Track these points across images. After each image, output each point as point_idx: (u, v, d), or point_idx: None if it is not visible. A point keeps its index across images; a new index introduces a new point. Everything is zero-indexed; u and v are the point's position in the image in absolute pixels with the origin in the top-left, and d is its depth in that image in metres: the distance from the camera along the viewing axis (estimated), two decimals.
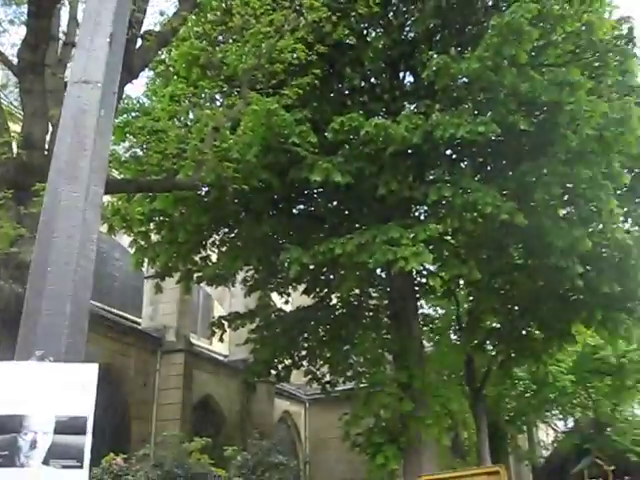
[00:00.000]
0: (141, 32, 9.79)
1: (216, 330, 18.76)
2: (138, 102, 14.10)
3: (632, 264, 14.03)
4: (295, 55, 11.68)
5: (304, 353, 18.75)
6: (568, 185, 14.08)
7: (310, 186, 14.94)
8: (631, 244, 13.49)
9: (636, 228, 14.98)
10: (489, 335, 19.84)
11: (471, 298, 20.42)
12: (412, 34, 16.07)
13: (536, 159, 13.75)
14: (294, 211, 17.50)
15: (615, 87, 14.79)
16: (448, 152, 15.81)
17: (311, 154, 13.27)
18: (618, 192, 14.66)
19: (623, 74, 15.02)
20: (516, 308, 18.00)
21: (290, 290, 18.63)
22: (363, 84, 16.40)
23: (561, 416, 38.94)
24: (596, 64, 14.90)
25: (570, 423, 38.27)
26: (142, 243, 15.99)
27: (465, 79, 13.93)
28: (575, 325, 17.70)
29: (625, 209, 15.20)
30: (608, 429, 32.05)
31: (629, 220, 15.86)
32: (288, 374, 19.11)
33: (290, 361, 18.72)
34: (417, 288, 19.00)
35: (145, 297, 22.99)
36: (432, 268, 18.82)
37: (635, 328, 16.30)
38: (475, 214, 13.90)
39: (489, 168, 16.11)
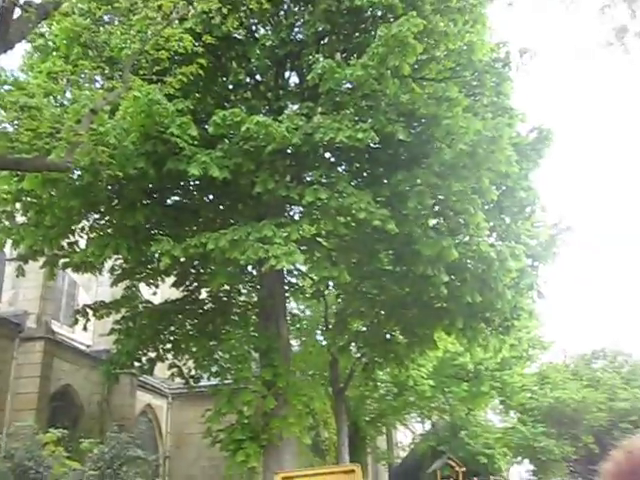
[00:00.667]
0: (21, 1, 9.31)
1: (80, 318, 18.18)
2: (12, 75, 13.40)
3: (493, 276, 14.65)
4: (181, 44, 11.48)
5: (169, 346, 18.45)
6: (440, 197, 14.56)
7: (187, 178, 14.72)
8: (494, 257, 14.08)
9: (500, 242, 15.64)
10: (355, 338, 20.21)
11: (339, 300, 20.76)
12: (301, 35, 16.13)
13: (411, 169, 14.14)
14: (168, 202, 17.17)
15: (490, 107, 15.47)
16: (327, 155, 16.00)
17: (190, 146, 13.08)
18: (486, 207, 15.33)
19: (498, 95, 15.76)
20: (382, 313, 18.41)
21: (159, 282, 18.28)
22: (248, 80, 16.34)
23: (419, 419, 40.28)
24: (474, 83, 15.55)
25: (427, 426, 39.64)
26: (6, 223, 15.24)
27: (349, 85, 14.13)
28: (437, 332, 18.32)
29: (491, 223, 15.89)
30: (462, 432, 33.47)
31: (494, 234, 16.57)
32: (152, 367, 18.73)
33: (155, 354, 18.37)
34: (287, 287, 19.13)
35: (6, 281, 21.97)
36: (303, 268, 19.01)
37: (492, 337, 17.07)
38: (349, 218, 14.15)
39: (365, 174, 16.42)
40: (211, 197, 16.85)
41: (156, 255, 13.75)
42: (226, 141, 13.82)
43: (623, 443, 1.17)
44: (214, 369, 17.93)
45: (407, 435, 46.57)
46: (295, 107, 15.46)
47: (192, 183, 16.23)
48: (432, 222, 15.46)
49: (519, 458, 36.95)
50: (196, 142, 13.20)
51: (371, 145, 14.01)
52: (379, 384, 28.93)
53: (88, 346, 24.83)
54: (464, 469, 26.43)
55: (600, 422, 33.64)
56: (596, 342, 40.16)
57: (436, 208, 15.17)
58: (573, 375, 37.11)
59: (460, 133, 13.49)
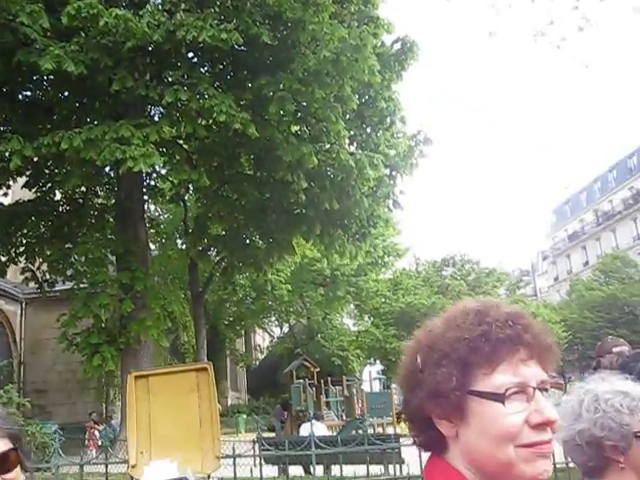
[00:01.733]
0: None
1: None
2: None
3: (352, 184, 15.00)
4: None
5: (22, 250, 17.77)
6: (302, 103, 14.56)
7: (40, 72, 13.87)
8: (353, 165, 14.37)
9: (359, 151, 15.94)
10: (214, 242, 20.25)
11: (199, 204, 20.63)
12: None
13: (275, 74, 14.01)
14: (19, 98, 16.17)
15: (357, 15, 15.40)
16: (189, 55, 15.53)
17: (42, 38, 12.30)
18: (347, 116, 15.50)
19: (365, 4, 15.68)
20: (242, 217, 18.49)
21: (10, 182, 17.37)
22: None
23: (278, 322, 41.32)
24: None
25: (286, 329, 40.74)
26: None
27: None
28: (296, 237, 18.67)
29: (352, 132, 16.13)
30: (319, 335, 34.74)
31: (354, 143, 16.85)
32: (3, 271, 18.03)
33: (6, 257, 17.65)
34: (146, 190, 18.76)
35: None
36: (162, 171, 18.65)
37: (349, 244, 17.62)
38: (210, 121, 13.93)
39: (229, 77, 16.13)
40: (66, 94, 16.00)
41: (6, 155, 13.02)
42: (82, 34, 13.08)
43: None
44: (69, 273, 17.50)
45: (266, 338, 47.84)
46: (157, 2, 14.79)
47: (45, 78, 15.34)
48: (294, 128, 15.51)
49: (371, 359, 38.81)
50: (49, 34, 12.42)
51: (235, 47, 13.73)
52: (238, 288, 29.34)
53: None
54: (318, 369, 27.56)
55: None
56: (447, 250, 42.16)
57: (298, 114, 15.18)
58: (424, 282, 39.04)
59: (325, 40, 13.43)
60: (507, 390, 1.12)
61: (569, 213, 71.49)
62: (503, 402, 1.11)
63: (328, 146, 15.23)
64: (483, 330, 1.15)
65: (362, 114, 16.22)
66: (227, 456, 6.77)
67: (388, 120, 17.07)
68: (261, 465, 7.36)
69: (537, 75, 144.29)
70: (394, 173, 17.14)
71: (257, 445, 7.94)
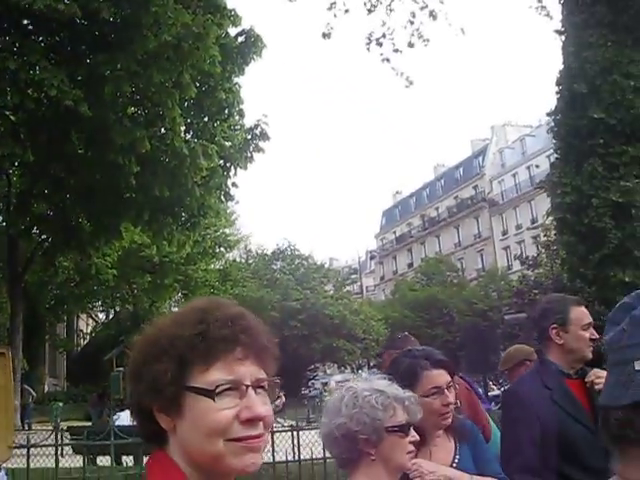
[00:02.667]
0: None
1: None
2: None
3: (185, 173, 14.85)
4: None
5: None
6: (139, 85, 14.25)
7: None
8: (187, 154, 14.25)
9: (195, 140, 15.83)
10: (38, 221, 19.30)
11: (24, 180, 19.57)
12: None
13: (114, 53, 13.61)
14: None
15: (203, 3, 15.24)
16: (24, 22, 14.73)
17: None
18: (185, 104, 15.33)
19: None
20: (69, 197, 17.77)
21: None
22: None
23: (103, 308, 40.06)
24: None
25: (112, 315, 39.63)
26: None
27: None
28: (124, 222, 18.20)
29: (189, 120, 15.96)
30: (144, 323, 34.04)
31: (190, 131, 16.70)
32: None
33: None
34: None
35: None
36: None
37: (177, 232, 17.43)
38: (41, 94, 13.31)
39: (65, 50, 15.44)
40: None
41: None
42: None
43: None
44: None
45: (90, 323, 46.25)
46: None
47: None
48: (129, 111, 15.13)
49: None
50: None
51: (75, 20, 13.19)
52: (61, 270, 28.13)
53: None
54: None
55: (273, 319, 36.21)
56: (279, 244, 42.50)
57: (134, 97, 14.84)
58: (254, 274, 39.31)
59: (167, 23, 13.25)
60: (218, 387, 1.17)
61: (398, 216, 74.57)
62: (213, 398, 1.16)
63: (163, 132, 15.00)
64: (201, 329, 1.19)
65: (200, 103, 16.11)
66: (20, 446, 6.50)
67: (226, 112, 17.06)
68: (57, 455, 7.09)
69: (375, 77, 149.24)
70: (228, 165, 17.15)
71: (59, 434, 7.67)
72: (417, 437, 2.22)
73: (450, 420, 2.68)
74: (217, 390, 1.17)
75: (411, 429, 2.17)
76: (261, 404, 1.21)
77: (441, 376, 2.66)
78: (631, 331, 1.03)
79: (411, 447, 2.17)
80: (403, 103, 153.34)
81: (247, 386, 1.20)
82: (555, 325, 3.10)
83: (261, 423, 1.21)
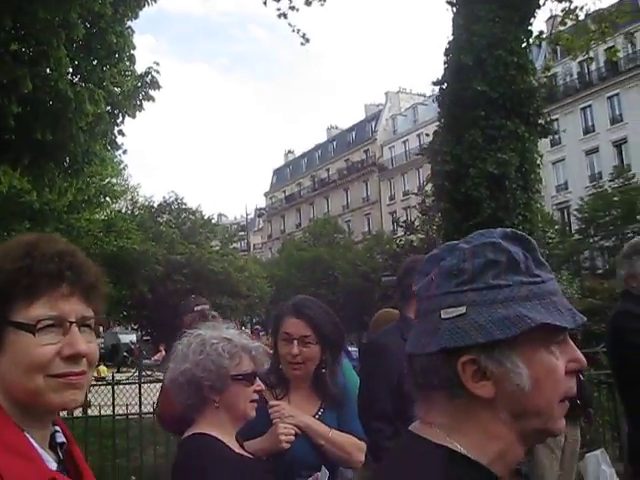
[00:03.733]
0: None
1: None
2: None
3: (69, 117, 14.26)
4: None
5: None
6: (24, 21, 13.51)
7: None
8: (72, 97, 13.66)
9: (82, 84, 15.18)
10: None
11: None
12: None
13: None
14: None
15: None
16: None
17: None
18: (73, 45, 14.67)
19: None
20: None
21: None
22: None
23: None
24: None
25: None
26: None
27: None
28: (2, 165, 17.36)
29: (76, 62, 15.31)
30: None
31: (78, 75, 16.02)
32: None
33: None
34: None
35: None
36: None
37: (59, 179, 16.78)
38: None
39: None
40: None
41: None
42: None
43: None
44: None
45: None
46: None
47: None
48: (11, 47, 14.33)
49: None
50: None
51: None
52: None
53: None
54: None
55: (157, 273, 35.65)
56: (166, 197, 41.53)
57: (18, 33, 14.05)
58: (139, 226, 38.50)
59: None
60: (40, 322, 1.17)
61: (289, 176, 74.75)
62: (34, 333, 1.16)
63: (47, 72, 14.31)
64: (26, 263, 1.18)
65: (89, 45, 15.43)
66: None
67: (116, 56, 16.41)
68: None
69: (274, 34, 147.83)
70: (116, 112, 16.56)
71: None
72: (262, 386, 2.29)
73: (298, 373, 2.74)
74: (38, 326, 1.18)
75: (256, 378, 2.24)
76: (84, 341, 1.21)
77: (296, 325, 2.72)
78: (439, 281, 1.09)
79: (255, 396, 2.24)
80: (300, 63, 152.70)
81: (71, 323, 1.21)
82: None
83: (84, 360, 1.22)
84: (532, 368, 1.03)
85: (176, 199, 41.96)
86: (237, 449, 2.20)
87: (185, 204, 42.11)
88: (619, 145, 43.38)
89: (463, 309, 1.03)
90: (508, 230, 1.13)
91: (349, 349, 5.93)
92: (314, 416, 2.75)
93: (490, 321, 1.02)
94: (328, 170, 67.60)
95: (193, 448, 2.11)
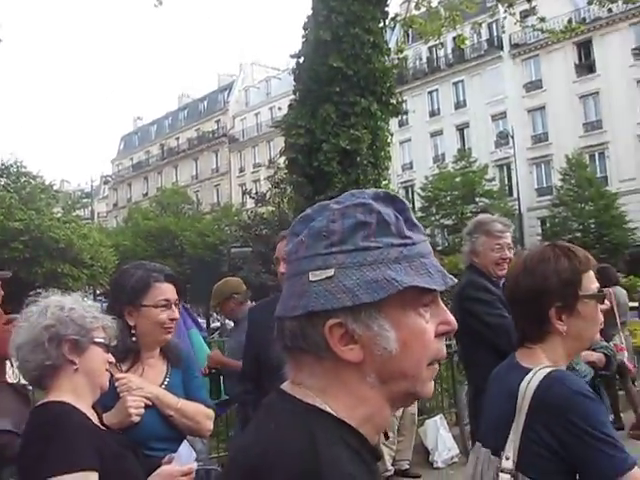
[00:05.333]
0: None
1: None
2: None
3: None
4: None
5: None
6: None
7: None
8: None
9: None
10: None
11: None
12: None
13: None
14: None
15: None
16: None
17: None
18: None
19: None
20: None
21: None
22: None
23: None
24: None
25: None
26: None
27: None
28: None
29: None
30: None
31: None
32: None
33: None
34: None
35: None
36: None
37: None
38: None
39: None
40: None
41: None
42: None
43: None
44: None
45: None
46: None
47: None
48: None
49: None
50: None
51: None
52: None
53: None
54: None
55: None
56: (3, 159, 39.01)
57: None
58: None
59: None
60: None
61: (137, 143, 72.63)
62: None
63: None
64: None
65: None
66: None
67: None
68: None
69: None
70: None
71: None
72: (113, 359, 2.22)
73: (170, 336, 2.73)
74: None
75: (109, 350, 2.17)
76: None
77: (171, 290, 2.71)
78: (308, 242, 1.05)
79: (107, 366, 2.17)
80: (153, 26, 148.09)
81: None
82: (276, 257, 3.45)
83: None
84: (400, 331, 1.01)
85: (15, 162, 39.54)
86: (96, 421, 2.10)
87: (25, 167, 39.73)
88: (462, 129, 45.47)
89: (331, 271, 1.01)
90: (380, 191, 1.10)
91: (198, 320, 5.87)
92: (162, 385, 2.70)
93: (358, 284, 0.99)
94: (178, 139, 66.23)
95: (50, 418, 1.98)
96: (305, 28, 10.50)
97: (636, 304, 10.98)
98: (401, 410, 6.33)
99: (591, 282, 2.04)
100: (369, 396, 1.04)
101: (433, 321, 1.05)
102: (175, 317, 2.71)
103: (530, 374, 1.92)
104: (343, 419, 1.02)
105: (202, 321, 9.21)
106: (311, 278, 1.02)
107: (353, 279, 1.00)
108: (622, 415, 8.66)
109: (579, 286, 2.01)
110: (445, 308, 1.08)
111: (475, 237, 3.91)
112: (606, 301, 2.19)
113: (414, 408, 6.69)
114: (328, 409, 1.02)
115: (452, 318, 1.07)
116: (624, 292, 8.63)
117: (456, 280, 1.08)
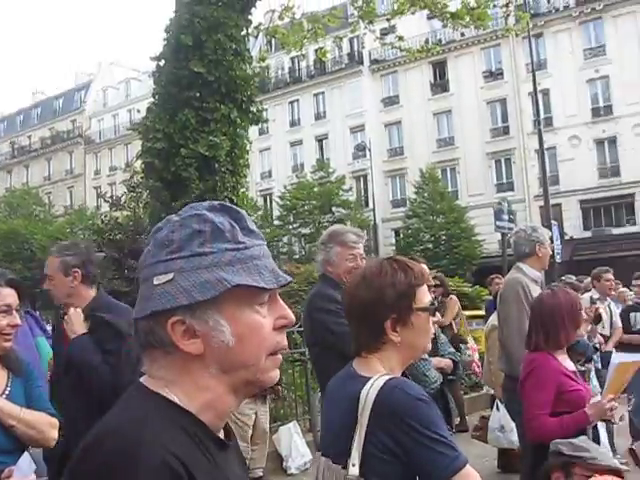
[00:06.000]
0: None
1: None
2: None
3: None
4: None
5: None
6: None
7: None
8: None
9: None
10: None
11: None
12: None
13: None
14: None
15: None
16: None
17: None
18: None
19: None
20: None
21: None
22: None
23: None
24: None
25: None
26: None
27: None
28: None
29: None
30: None
31: None
32: None
33: None
34: None
35: None
36: None
37: None
38: None
39: None
40: None
41: None
42: None
43: None
44: None
45: None
46: None
47: None
48: None
49: None
50: None
51: None
52: None
53: None
54: None
55: None
56: None
57: None
58: None
59: None
60: None
61: None
62: None
63: None
64: None
65: None
66: None
67: None
68: None
69: None
70: None
71: None
72: None
73: (10, 343, 2.64)
74: None
75: None
76: None
77: (12, 296, 2.65)
78: (154, 251, 1.19)
79: None
80: (5, 14, 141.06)
81: None
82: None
83: None
84: (235, 325, 1.14)
85: None
86: None
87: None
88: (321, 140, 46.27)
89: (171, 275, 1.13)
90: (216, 203, 1.23)
91: (46, 327, 5.63)
92: (2, 394, 2.59)
93: (194, 285, 1.12)
94: (30, 137, 63.15)
95: None
96: (167, 31, 10.32)
97: (483, 312, 11.55)
98: (253, 419, 6.39)
99: (424, 296, 2.16)
100: (211, 385, 1.16)
101: (271, 316, 1.19)
102: (16, 323, 2.62)
103: (369, 382, 1.99)
104: (184, 407, 1.13)
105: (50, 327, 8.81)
106: (155, 282, 1.15)
107: (190, 281, 1.13)
108: (467, 418, 9.15)
109: (414, 299, 2.11)
110: (284, 305, 1.22)
111: (329, 247, 4.00)
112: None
113: (266, 416, 6.74)
114: (172, 397, 1.13)
115: (289, 313, 1.21)
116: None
117: (290, 279, 1.21)
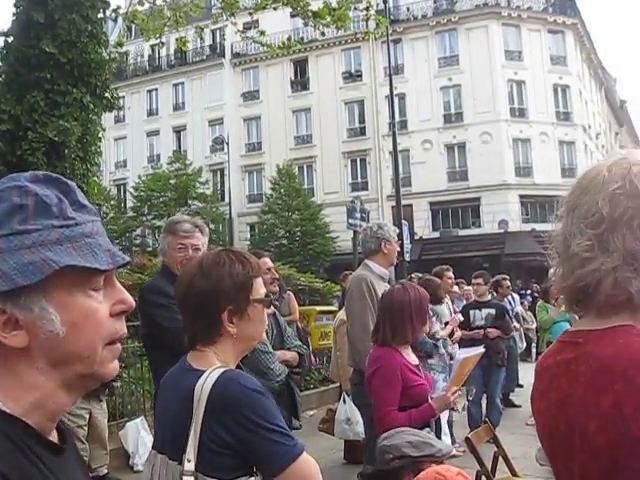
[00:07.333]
0: None
1: None
2: None
3: None
4: None
5: None
6: None
7: None
8: None
9: None
10: None
11: None
12: None
13: None
14: None
15: None
16: None
17: None
18: None
19: None
20: None
21: None
22: None
23: None
24: None
25: None
26: None
27: None
28: None
29: None
30: None
31: None
32: None
33: None
34: None
35: None
36: None
37: None
38: None
39: None
40: None
41: None
42: None
43: None
44: None
45: None
46: None
47: None
48: None
49: None
50: None
51: None
52: None
53: None
54: None
55: None
56: None
57: None
58: None
59: None
60: None
61: None
62: None
63: None
64: None
65: None
66: None
67: None
68: None
69: None
70: None
71: None
72: None
73: None
74: None
75: None
76: None
77: None
78: None
79: None
80: None
81: None
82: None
83: None
84: (66, 313, 0.99)
85: None
86: None
87: None
88: (179, 131, 45.37)
89: None
90: (40, 173, 1.06)
91: None
92: None
93: (15, 268, 0.95)
94: None
95: None
96: (17, 6, 9.76)
97: (335, 308, 11.77)
98: (87, 419, 6.22)
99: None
100: (39, 382, 1.00)
101: (107, 301, 1.04)
102: None
103: (204, 375, 1.97)
104: (9, 410, 0.97)
105: None
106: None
107: (10, 263, 0.96)
108: (316, 411, 9.32)
109: (250, 290, 2.11)
110: (122, 288, 1.08)
111: (164, 236, 3.90)
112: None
113: (104, 414, 6.61)
114: None
115: (128, 297, 1.07)
116: None
117: (128, 259, 1.07)
